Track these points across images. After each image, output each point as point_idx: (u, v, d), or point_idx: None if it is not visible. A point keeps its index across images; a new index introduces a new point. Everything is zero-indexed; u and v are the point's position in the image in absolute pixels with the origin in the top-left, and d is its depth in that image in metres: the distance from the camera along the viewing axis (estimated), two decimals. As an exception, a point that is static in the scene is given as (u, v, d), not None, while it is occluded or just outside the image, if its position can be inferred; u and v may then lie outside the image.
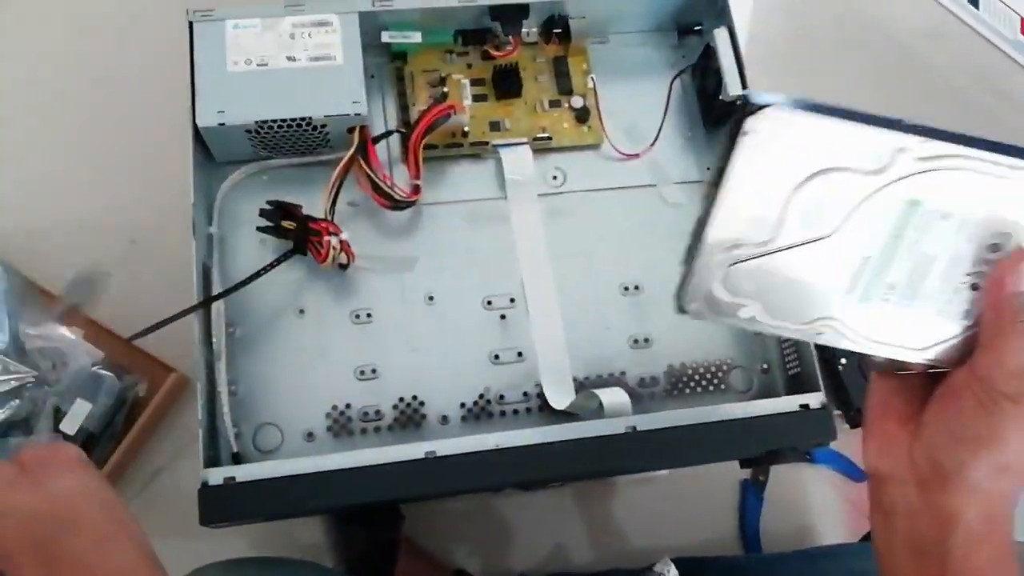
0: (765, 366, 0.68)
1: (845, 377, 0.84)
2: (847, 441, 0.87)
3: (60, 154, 0.88)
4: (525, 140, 0.70)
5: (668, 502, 0.85)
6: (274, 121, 0.63)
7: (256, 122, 0.62)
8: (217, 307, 0.62)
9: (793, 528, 0.86)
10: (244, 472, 0.55)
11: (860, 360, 0.84)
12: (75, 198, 0.87)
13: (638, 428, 0.59)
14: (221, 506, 0.54)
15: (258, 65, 0.64)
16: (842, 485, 0.88)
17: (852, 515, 0.87)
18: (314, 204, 0.66)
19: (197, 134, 0.63)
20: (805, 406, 0.61)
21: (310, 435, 0.62)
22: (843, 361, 0.84)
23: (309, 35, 0.65)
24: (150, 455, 0.78)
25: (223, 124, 0.62)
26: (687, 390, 0.67)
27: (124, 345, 0.76)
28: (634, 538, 0.84)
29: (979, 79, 1.07)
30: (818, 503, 0.87)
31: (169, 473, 0.77)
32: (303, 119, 0.63)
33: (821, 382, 0.62)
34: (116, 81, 0.91)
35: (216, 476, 0.55)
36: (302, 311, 0.65)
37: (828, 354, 0.84)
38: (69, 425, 0.73)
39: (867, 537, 0.79)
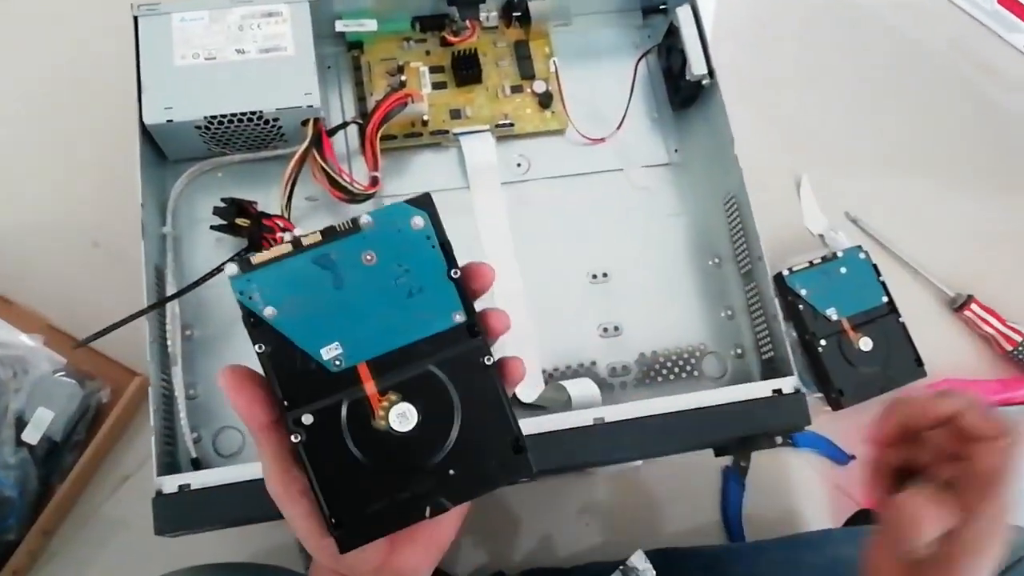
0: (739, 351, 0.67)
1: (825, 359, 0.82)
2: (830, 424, 0.86)
3: (17, 154, 0.86)
4: (487, 127, 0.68)
5: (648, 491, 0.84)
6: (224, 116, 0.61)
7: (206, 118, 0.61)
8: (172, 309, 0.61)
9: (777, 513, 0.85)
10: (200, 479, 0.54)
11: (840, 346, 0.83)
12: (34, 200, 0.85)
13: (606, 419, 0.57)
14: (176, 515, 0.53)
15: (206, 59, 0.62)
16: (825, 468, 0.87)
17: (836, 498, 0.86)
18: (271, 200, 0.65)
19: (145, 132, 0.61)
20: (778, 391, 0.60)
21: (272, 437, 0.61)
22: (823, 343, 0.82)
23: (258, 26, 0.63)
24: (116, 462, 0.77)
25: (171, 121, 0.60)
26: (659, 378, 0.66)
27: (86, 351, 0.74)
28: (613, 530, 0.82)
29: (955, 49, 1.05)
30: (802, 487, 0.86)
31: (136, 480, 0.75)
32: (254, 113, 0.61)
33: (794, 365, 0.61)
34: (75, 79, 0.89)
35: (170, 484, 0.53)
36: (261, 310, 0.63)
37: (808, 335, 0.82)
38: (31, 434, 0.71)
39: (851, 521, 0.78)
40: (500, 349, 0.38)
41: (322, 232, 0.34)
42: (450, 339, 0.34)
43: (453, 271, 0.34)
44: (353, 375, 0.34)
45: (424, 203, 0.35)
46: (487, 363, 0.35)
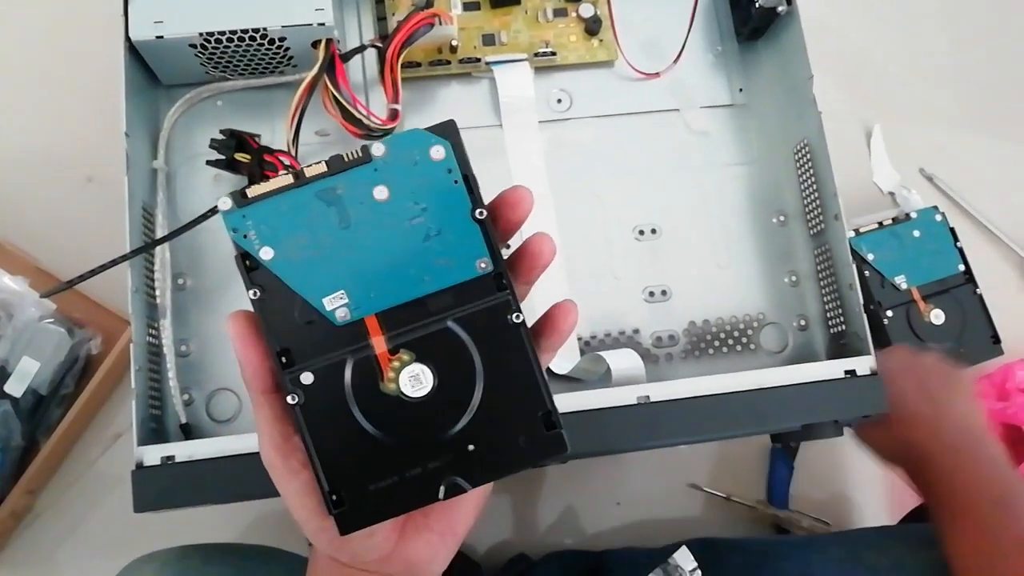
0: (803, 322, 0.59)
1: (891, 332, 0.74)
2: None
3: (5, 82, 0.79)
4: (524, 56, 0.60)
5: (688, 468, 0.77)
6: (222, 33, 0.53)
7: (201, 35, 0.53)
8: (162, 254, 0.54)
9: (826, 498, 0.78)
10: (186, 450, 0.47)
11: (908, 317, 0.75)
12: (21, 130, 0.78)
13: (652, 398, 0.50)
14: (158, 490, 0.47)
15: (203, -34, 0.54)
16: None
17: (891, 487, 0.78)
18: (277, 134, 0.59)
19: (132, 50, 0.54)
20: (851, 372, 0.52)
21: (272, 402, 0.54)
22: (889, 313, 0.74)
23: (264, -71, 0.55)
24: (108, 418, 0.71)
25: (162, 37, 0.53)
26: (711, 351, 0.58)
27: (75, 295, 0.68)
28: (651, 509, 0.76)
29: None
30: (854, 473, 0.78)
31: (129, 438, 0.69)
32: (256, 31, 0.53)
33: (871, 343, 0.53)
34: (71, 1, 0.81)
35: (152, 455, 0.47)
36: (263, 259, 0.56)
37: (873, 305, 0.74)
38: (15, 386, 0.66)
39: (909, 518, 0.71)
40: (532, 315, 0.31)
41: (327, 162, 0.30)
42: (473, 291, 0.30)
43: (478, 211, 0.30)
44: (360, 329, 0.30)
45: (447, 131, 0.30)
46: (515, 320, 0.30)
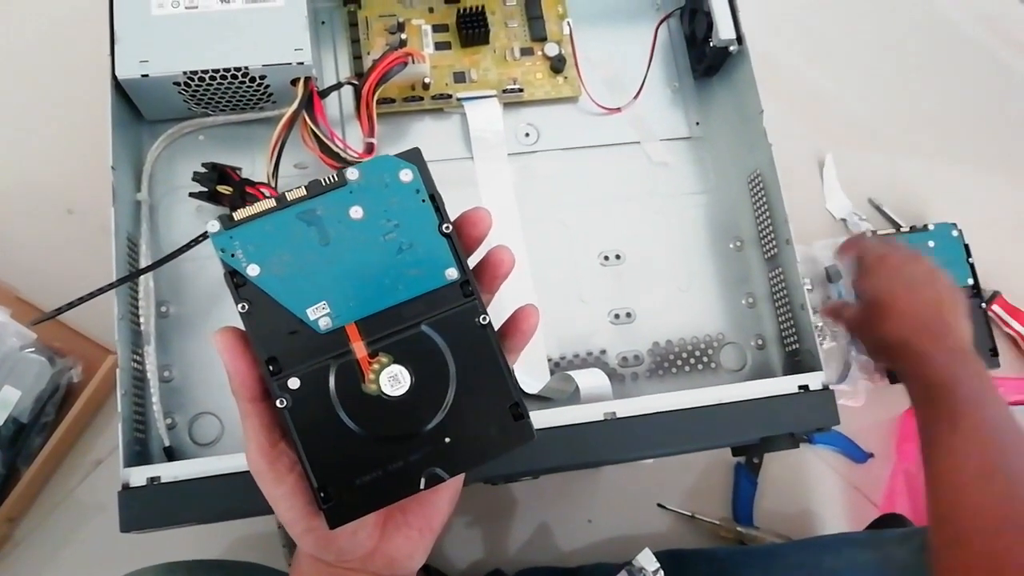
0: (760, 341, 0.62)
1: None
2: (848, 421, 0.81)
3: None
4: (493, 93, 0.63)
5: (656, 486, 0.79)
6: (205, 72, 0.55)
7: (185, 73, 0.55)
8: (146, 283, 0.56)
9: (790, 513, 0.80)
10: (171, 471, 0.49)
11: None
12: (4, 164, 0.79)
13: (618, 414, 0.52)
14: (144, 511, 0.48)
15: (187, 8, 0.57)
16: (842, 466, 0.82)
17: (854, 499, 0.81)
18: (257, 167, 0.61)
19: (118, 87, 0.56)
20: (804, 387, 0.55)
21: (253, 425, 0.56)
22: None
23: (245, -27, 0.58)
24: (88, 445, 0.72)
25: (147, 75, 0.55)
26: (673, 369, 0.61)
27: (56, 326, 0.69)
28: (621, 526, 0.78)
29: (986, 26, 0.98)
30: (817, 486, 0.81)
31: (109, 465, 0.71)
32: (238, 69, 0.56)
33: (822, 359, 0.56)
34: (52, 32, 0.83)
35: (138, 476, 0.49)
36: (244, 287, 0.58)
37: None
38: (-4, 414, 0.66)
39: (874, 525, 0.74)
40: (500, 319, 0.34)
41: (307, 187, 0.32)
42: (443, 298, 0.33)
43: (444, 225, 0.33)
44: (342, 336, 0.32)
45: (414, 156, 0.33)
46: (482, 322, 0.32)
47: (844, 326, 0.68)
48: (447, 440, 0.32)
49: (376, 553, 0.34)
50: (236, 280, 0.31)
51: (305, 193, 0.32)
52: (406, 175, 0.32)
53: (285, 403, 0.31)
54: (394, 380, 0.32)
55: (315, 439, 0.31)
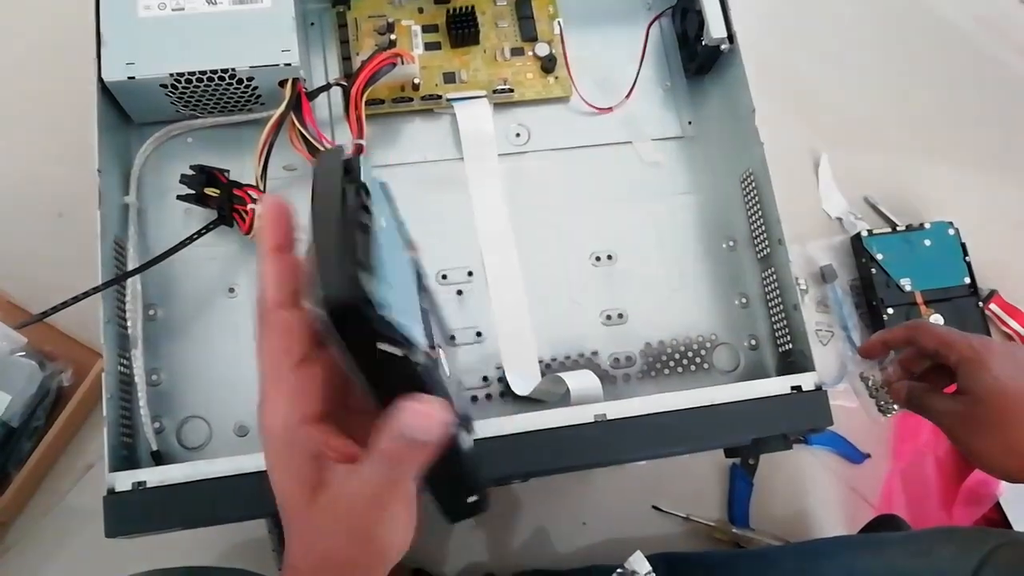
0: (753, 342, 0.62)
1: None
2: (845, 422, 0.81)
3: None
4: (484, 93, 0.63)
5: (651, 488, 0.79)
6: (192, 74, 0.55)
7: (172, 75, 0.55)
8: (133, 286, 0.56)
9: (787, 514, 0.80)
10: (158, 475, 0.48)
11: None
12: (-6, 167, 0.79)
13: (608, 416, 0.52)
14: (130, 516, 0.48)
15: (173, 10, 0.56)
16: (839, 467, 0.81)
17: (851, 500, 0.81)
18: (246, 169, 0.60)
19: (105, 90, 0.56)
20: (797, 388, 0.55)
21: (242, 429, 0.56)
22: (890, 311, 0.77)
23: (232, -26, 0.57)
24: (79, 449, 0.72)
25: (133, 78, 0.55)
26: (666, 370, 0.61)
27: (46, 329, 0.69)
28: (615, 529, 0.77)
29: (983, 26, 0.98)
30: (814, 487, 0.81)
31: (100, 469, 0.69)
32: (226, 71, 0.55)
33: (814, 360, 0.55)
34: (41, 36, 0.82)
35: (124, 481, 0.48)
36: (232, 289, 0.58)
37: (876, 301, 0.77)
38: (-14, 419, 0.66)
39: (867, 528, 0.73)
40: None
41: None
42: None
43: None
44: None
45: (353, 160, 0.30)
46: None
47: (934, 419, 0.56)
48: None
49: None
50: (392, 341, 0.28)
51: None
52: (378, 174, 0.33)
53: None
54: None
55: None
